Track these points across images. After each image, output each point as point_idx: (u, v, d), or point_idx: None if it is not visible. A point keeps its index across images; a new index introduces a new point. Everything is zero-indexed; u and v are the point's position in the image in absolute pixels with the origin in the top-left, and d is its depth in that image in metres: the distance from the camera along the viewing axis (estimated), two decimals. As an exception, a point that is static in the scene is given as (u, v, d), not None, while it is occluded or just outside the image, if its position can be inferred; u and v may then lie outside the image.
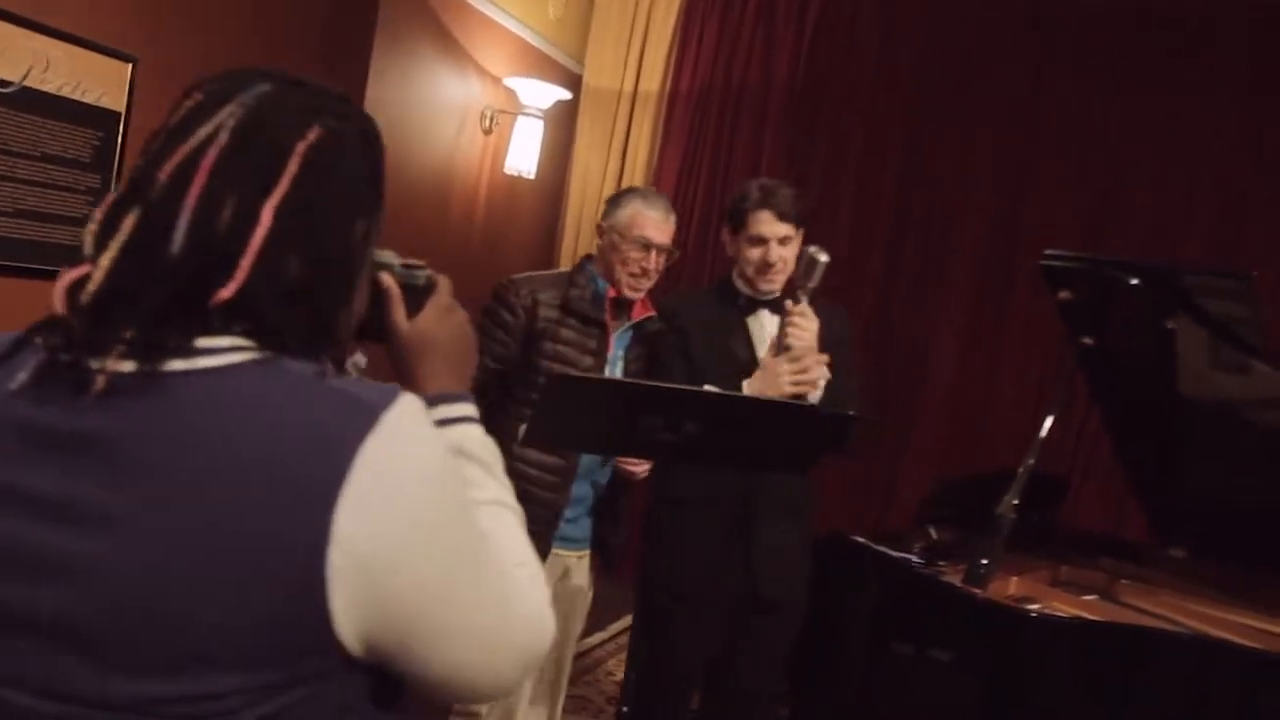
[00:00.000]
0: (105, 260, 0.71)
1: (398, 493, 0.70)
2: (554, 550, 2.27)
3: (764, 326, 2.29)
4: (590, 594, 2.44)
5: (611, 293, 2.26)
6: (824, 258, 2.09)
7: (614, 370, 2.29)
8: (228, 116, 0.74)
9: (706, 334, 2.29)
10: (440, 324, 0.95)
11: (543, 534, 2.21)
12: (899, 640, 2.24)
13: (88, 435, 0.68)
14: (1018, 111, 3.91)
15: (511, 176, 4.06)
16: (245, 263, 0.71)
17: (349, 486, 0.67)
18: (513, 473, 2.27)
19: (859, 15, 4.15)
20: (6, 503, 0.69)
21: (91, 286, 0.70)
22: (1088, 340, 2.26)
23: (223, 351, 0.71)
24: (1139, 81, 3.72)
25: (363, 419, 0.70)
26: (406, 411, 0.72)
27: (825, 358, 2.13)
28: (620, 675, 2.37)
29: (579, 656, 3.49)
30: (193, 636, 0.66)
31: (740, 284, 2.33)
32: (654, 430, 1.72)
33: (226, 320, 0.72)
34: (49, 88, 2.39)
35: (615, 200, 2.32)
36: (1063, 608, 2.24)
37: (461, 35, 3.72)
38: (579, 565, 2.36)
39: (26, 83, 2.33)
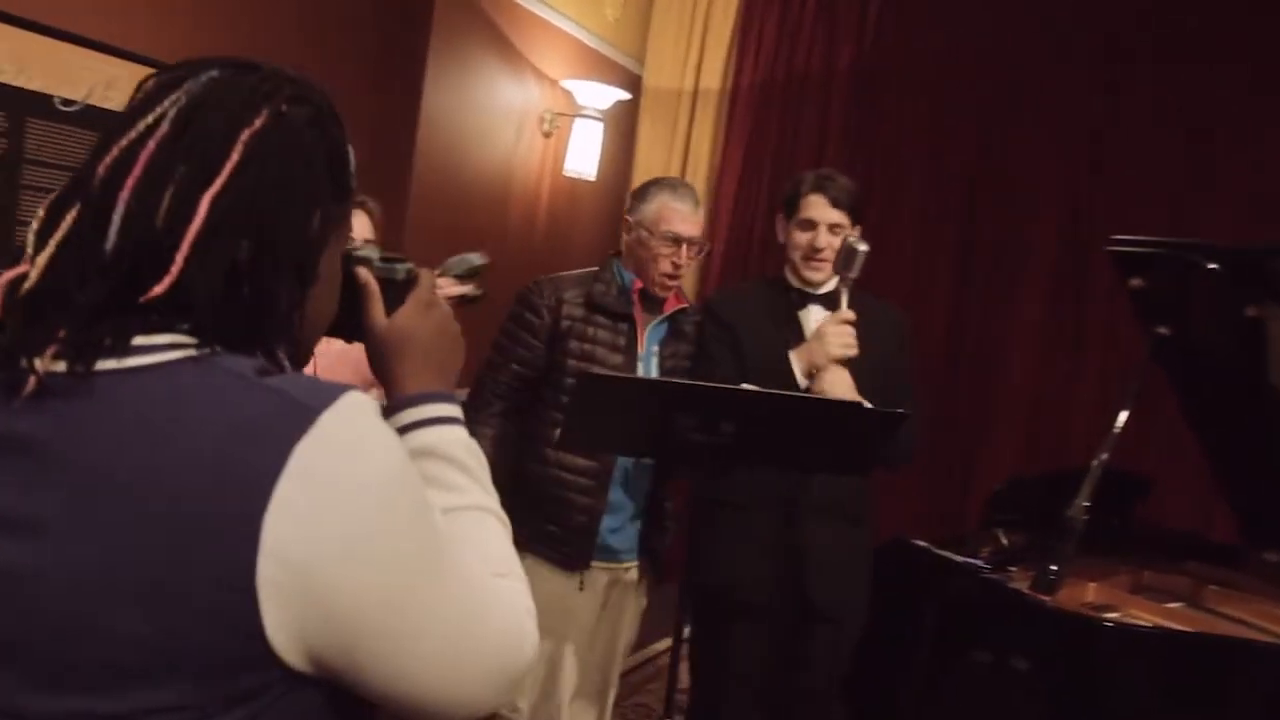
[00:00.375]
0: (42, 258, 0.68)
1: (333, 497, 0.65)
2: (600, 564, 2.20)
3: (815, 321, 2.21)
4: (643, 603, 2.36)
5: (638, 285, 2.19)
6: (863, 247, 2.05)
7: (648, 366, 2.21)
8: (170, 105, 0.71)
9: (756, 327, 2.23)
10: (420, 320, 0.90)
11: (582, 540, 2.15)
12: (963, 651, 2.13)
13: (20, 437, 0.66)
14: (1092, 97, 3.70)
15: (572, 179, 4.04)
16: (180, 257, 0.68)
17: (280, 490, 0.64)
18: (546, 478, 2.23)
19: (923, 1, 4.01)
20: None
21: (26, 285, 0.68)
22: (1163, 330, 2.13)
23: (159, 349, 0.68)
24: (1225, 62, 3.48)
25: (298, 419, 0.66)
26: (349, 411, 0.68)
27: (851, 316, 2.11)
28: (684, 681, 2.30)
29: (643, 664, 3.44)
30: (122, 646, 0.63)
31: (791, 276, 2.27)
32: (689, 431, 1.67)
33: (168, 317, 0.69)
34: (112, 105, 2.45)
35: (641, 193, 2.24)
36: (1144, 616, 2.11)
37: (517, 39, 3.72)
38: (627, 577, 2.28)
39: (90, 100, 2.40)
